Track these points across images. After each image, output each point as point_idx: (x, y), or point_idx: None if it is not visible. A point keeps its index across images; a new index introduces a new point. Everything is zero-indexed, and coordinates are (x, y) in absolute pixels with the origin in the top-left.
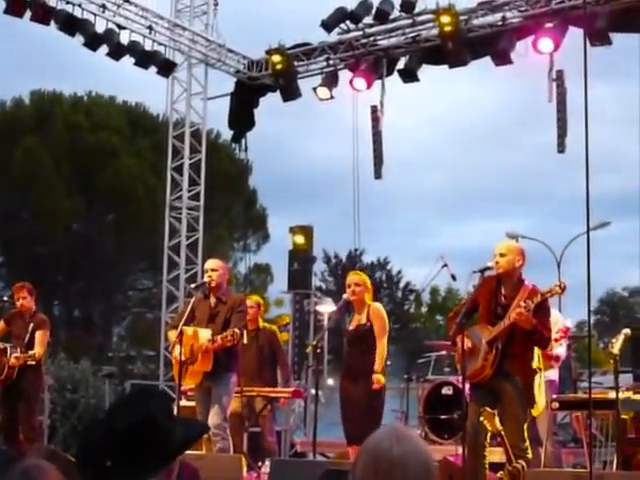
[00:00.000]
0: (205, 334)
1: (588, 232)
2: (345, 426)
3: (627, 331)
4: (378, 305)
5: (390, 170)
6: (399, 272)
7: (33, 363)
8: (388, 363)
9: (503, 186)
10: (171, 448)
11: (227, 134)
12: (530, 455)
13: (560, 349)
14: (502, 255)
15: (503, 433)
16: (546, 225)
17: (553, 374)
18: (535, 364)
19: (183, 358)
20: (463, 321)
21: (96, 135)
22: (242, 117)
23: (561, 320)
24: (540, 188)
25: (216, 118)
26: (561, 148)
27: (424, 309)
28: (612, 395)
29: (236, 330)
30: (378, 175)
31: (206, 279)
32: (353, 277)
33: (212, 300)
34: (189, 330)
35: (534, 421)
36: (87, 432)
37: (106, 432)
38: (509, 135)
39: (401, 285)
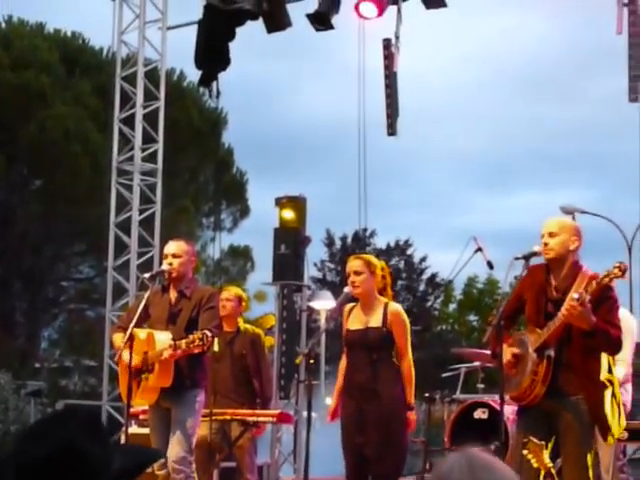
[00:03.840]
0: (164, 338)
1: None
2: (348, 460)
3: None
4: (398, 306)
5: (408, 125)
6: (423, 259)
7: None
8: None
9: (557, 146)
10: None
11: (194, 75)
12: None
13: (619, 369)
14: (552, 235)
15: (554, 471)
16: (614, 198)
17: (623, 393)
18: (604, 375)
19: (134, 370)
20: (502, 323)
21: (18, 75)
22: (213, 53)
23: (631, 323)
24: (606, 149)
25: (179, 54)
26: (634, 96)
27: (452, 306)
28: None
29: (206, 332)
30: (392, 131)
31: (165, 267)
32: (352, 263)
33: (173, 294)
34: (142, 333)
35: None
36: None
37: (16, 470)
38: (566, 80)
39: (424, 276)
